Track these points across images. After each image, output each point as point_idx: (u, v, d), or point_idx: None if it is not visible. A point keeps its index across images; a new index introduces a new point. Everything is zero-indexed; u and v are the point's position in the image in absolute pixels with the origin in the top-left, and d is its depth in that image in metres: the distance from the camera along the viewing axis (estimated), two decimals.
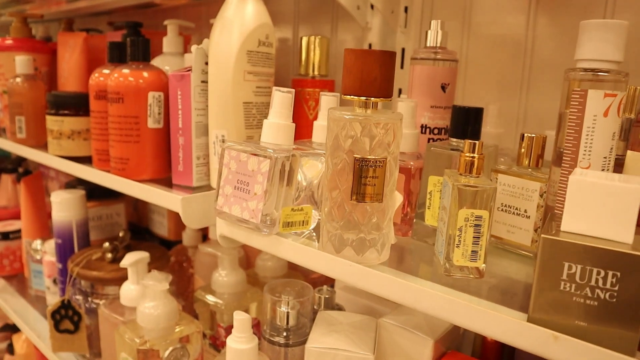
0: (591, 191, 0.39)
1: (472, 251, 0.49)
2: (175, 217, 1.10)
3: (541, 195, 0.54)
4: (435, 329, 0.60)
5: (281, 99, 0.57)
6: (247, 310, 0.81)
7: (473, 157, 0.50)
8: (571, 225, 0.40)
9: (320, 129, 0.64)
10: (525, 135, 0.57)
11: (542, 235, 0.39)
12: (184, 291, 1.03)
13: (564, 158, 0.47)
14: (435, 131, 0.67)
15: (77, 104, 0.91)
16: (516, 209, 0.56)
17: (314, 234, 0.59)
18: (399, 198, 0.52)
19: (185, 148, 0.74)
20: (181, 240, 1.07)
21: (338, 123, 0.49)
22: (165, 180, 0.78)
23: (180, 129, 0.74)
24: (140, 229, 1.21)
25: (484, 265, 0.49)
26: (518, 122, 0.76)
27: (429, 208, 0.58)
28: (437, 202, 0.57)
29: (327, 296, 0.67)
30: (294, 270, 0.94)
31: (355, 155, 0.48)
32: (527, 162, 0.57)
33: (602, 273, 0.37)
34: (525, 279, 0.51)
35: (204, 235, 1.07)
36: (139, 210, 1.23)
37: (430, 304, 0.45)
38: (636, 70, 0.46)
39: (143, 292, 0.72)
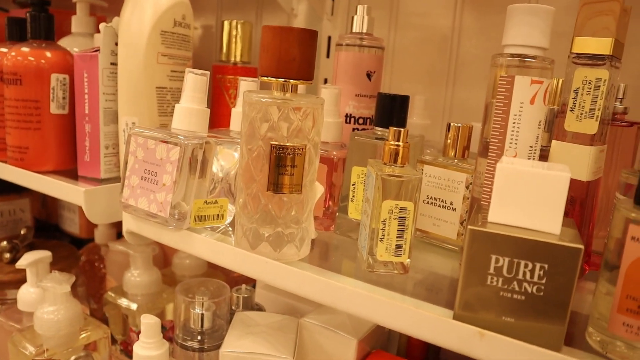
0: (518, 179, 0.37)
1: (397, 245, 0.46)
2: None
3: (467, 187, 0.53)
4: (359, 328, 0.57)
5: (194, 82, 0.52)
6: (162, 313, 0.76)
7: (398, 145, 0.47)
8: (498, 215, 0.38)
9: (238, 117, 0.60)
10: (452, 125, 0.55)
11: (469, 227, 0.37)
12: (96, 293, 0.95)
13: (490, 147, 0.45)
14: (360, 121, 0.64)
15: None
16: (442, 201, 0.54)
17: (230, 228, 0.54)
18: (319, 189, 0.48)
19: (92, 136, 0.67)
20: (93, 238, 0.99)
21: (254, 107, 0.45)
22: (70, 172, 0.71)
23: (86, 115, 0.67)
24: (49, 226, 1.12)
25: (408, 260, 0.47)
26: (444, 113, 0.74)
27: (352, 200, 0.55)
28: (361, 195, 0.54)
29: (245, 295, 0.63)
30: (214, 268, 0.89)
31: (272, 142, 0.44)
32: (453, 153, 0.55)
33: (530, 265, 0.35)
34: (451, 273, 0.49)
35: (118, 232, 1.00)
36: (47, 206, 1.13)
37: (351, 302, 0.42)
38: (557, 63, 0.45)
39: (42, 295, 0.65)
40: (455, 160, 0.54)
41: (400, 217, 0.45)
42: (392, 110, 0.55)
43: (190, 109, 0.52)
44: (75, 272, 0.91)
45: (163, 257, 0.91)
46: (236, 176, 0.53)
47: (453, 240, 0.54)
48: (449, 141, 0.55)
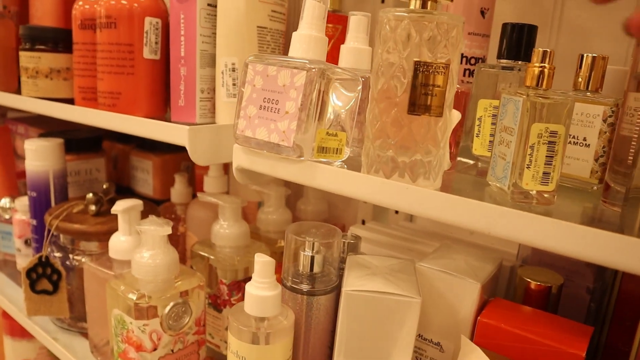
0: None
1: (544, 173, 0.42)
2: (161, 173, 1.01)
3: (604, 121, 0.49)
4: (479, 274, 0.54)
5: (313, 8, 0.49)
6: (248, 269, 0.74)
7: (543, 67, 0.44)
8: None
9: (350, 53, 0.57)
10: (585, 55, 0.51)
11: None
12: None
13: None
14: (472, 61, 0.60)
15: (56, 38, 0.81)
16: (573, 137, 0.51)
17: (345, 166, 0.51)
18: (456, 115, 0.45)
19: (188, 80, 0.66)
20: (169, 199, 0.98)
21: (392, 24, 0.42)
22: (160, 120, 0.70)
23: (182, 57, 0.66)
24: (121, 189, 1.12)
25: (554, 190, 0.43)
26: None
27: (477, 136, 0.52)
28: (488, 129, 0.51)
29: (352, 241, 0.60)
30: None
31: (415, 59, 0.41)
32: (585, 85, 0.51)
33: None
34: (592, 212, 0.46)
35: (193, 194, 0.98)
36: (118, 168, 1.13)
37: (512, 226, 0.38)
38: None
39: (138, 240, 0.64)
40: (588, 94, 0.50)
41: (550, 142, 0.42)
42: (519, 41, 0.52)
43: (309, 36, 0.49)
44: None
45: (244, 215, 0.89)
46: (351, 115, 0.50)
47: (585, 178, 0.50)
48: (581, 72, 0.51)
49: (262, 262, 0.51)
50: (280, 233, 0.81)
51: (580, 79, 0.51)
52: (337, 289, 0.55)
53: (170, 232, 0.61)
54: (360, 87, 0.52)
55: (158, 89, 0.70)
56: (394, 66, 0.43)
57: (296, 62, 0.47)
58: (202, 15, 0.64)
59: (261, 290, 0.52)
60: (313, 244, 0.54)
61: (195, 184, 1.02)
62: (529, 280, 0.58)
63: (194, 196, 0.98)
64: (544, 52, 0.44)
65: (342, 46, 0.57)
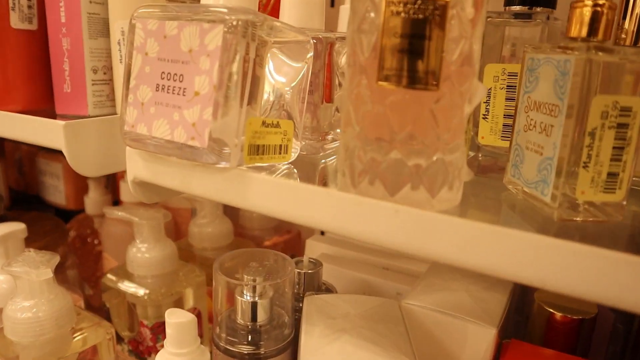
0: None
1: (609, 174, 0.27)
2: (74, 178, 0.82)
3: None
4: (491, 311, 0.38)
5: None
6: (181, 300, 0.57)
7: (600, 5, 0.28)
8: None
9: (295, 5, 0.39)
10: None
11: None
12: (91, 276, 0.76)
13: None
14: None
15: None
16: None
17: (295, 172, 0.35)
18: (480, 89, 0.28)
19: (74, 55, 0.47)
20: (84, 208, 0.79)
21: None
22: (45, 113, 0.51)
23: (63, 24, 0.47)
24: (28, 198, 0.92)
25: (623, 200, 0.28)
26: None
27: (485, 118, 0.36)
28: (501, 106, 0.35)
29: (310, 271, 0.43)
30: (241, 236, 0.70)
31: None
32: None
33: None
34: None
35: (115, 200, 0.80)
36: (25, 173, 0.93)
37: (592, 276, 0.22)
38: None
39: (14, 285, 0.46)
40: None
41: (620, 126, 0.26)
42: None
43: None
44: (62, 251, 0.71)
45: (174, 226, 0.72)
46: (299, 95, 0.34)
47: None
48: None
49: (177, 325, 0.34)
50: (219, 250, 0.64)
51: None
52: (293, 344, 0.38)
53: (50, 275, 0.43)
54: (311, 54, 0.35)
55: (38, 70, 0.51)
56: (370, 15, 0.26)
57: (209, 12, 0.29)
58: None
59: None
60: (254, 287, 0.37)
61: (117, 190, 0.83)
62: (551, 310, 0.43)
63: (117, 203, 0.79)
64: None
65: None
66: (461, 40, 0.25)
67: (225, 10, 0.29)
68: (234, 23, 0.28)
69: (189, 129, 0.30)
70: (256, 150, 0.31)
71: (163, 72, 0.31)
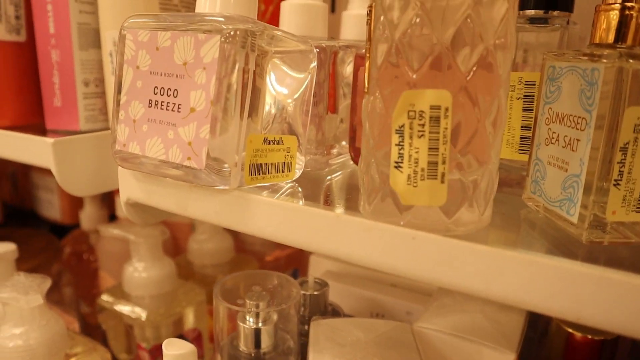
0: None
1: None
2: (69, 193, 0.79)
3: None
4: (509, 334, 0.36)
5: None
6: (180, 320, 0.54)
7: (629, 8, 0.25)
8: None
9: (296, 12, 0.37)
10: None
11: None
12: (87, 294, 0.74)
13: None
14: None
15: None
16: None
17: (300, 191, 0.32)
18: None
19: (64, 68, 0.45)
20: (79, 223, 0.76)
21: None
22: (35, 129, 0.49)
23: (52, 36, 0.45)
24: (23, 213, 0.89)
25: None
26: None
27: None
28: (519, 118, 0.33)
29: (316, 292, 0.41)
30: (242, 252, 0.67)
31: None
32: None
33: None
34: None
35: (111, 214, 0.77)
36: (19, 188, 0.90)
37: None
38: None
39: (2, 311, 0.44)
40: None
41: None
42: None
43: None
44: (57, 269, 0.69)
45: (173, 242, 0.69)
46: (303, 108, 0.32)
47: None
48: None
49: (176, 358, 0.31)
50: (219, 267, 0.61)
51: None
52: None
53: (40, 301, 0.41)
54: (315, 64, 0.33)
55: (26, 85, 0.49)
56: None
57: (204, 21, 0.27)
58: None
59: None
60: (257, 313, 0.34)
61: (113, 205, 0.81)
62: (571, 330, 0.40)
63: (113, 217, 0.77)
64: None
65: (283, 3, 0.38)
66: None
67: (222, 19, 0.27)
68: (232, 33, 0.26)
69: (185, 149, 0.27)
70: (258, 169, 0.29)
71: (156, 87, 0.28)
